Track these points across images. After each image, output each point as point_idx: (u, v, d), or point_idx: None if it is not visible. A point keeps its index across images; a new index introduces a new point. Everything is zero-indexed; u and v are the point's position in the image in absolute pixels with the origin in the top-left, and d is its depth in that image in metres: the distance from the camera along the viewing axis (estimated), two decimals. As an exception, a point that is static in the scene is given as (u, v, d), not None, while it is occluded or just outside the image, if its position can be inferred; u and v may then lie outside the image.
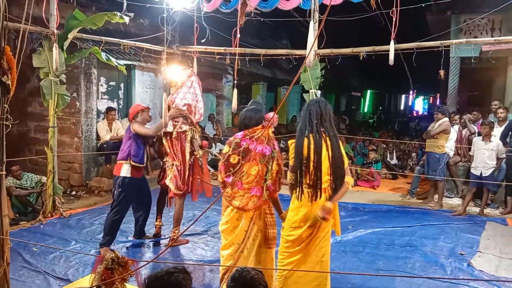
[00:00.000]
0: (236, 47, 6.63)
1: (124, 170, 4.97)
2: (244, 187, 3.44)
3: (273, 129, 3.74)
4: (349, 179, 3.42)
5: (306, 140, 3.22)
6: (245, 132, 3.54)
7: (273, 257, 3.66)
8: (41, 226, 6.00)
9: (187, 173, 5.06)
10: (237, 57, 6.66)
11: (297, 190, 3.26)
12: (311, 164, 3.20)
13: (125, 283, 2.55)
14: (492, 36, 10.23)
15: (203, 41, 7.53)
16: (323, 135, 3.27)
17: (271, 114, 3.58)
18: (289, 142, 3.37)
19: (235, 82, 6.86)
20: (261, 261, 3.53)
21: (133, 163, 4.97)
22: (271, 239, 3.58)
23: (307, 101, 7.83)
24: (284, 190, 3.56)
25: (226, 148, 3.56)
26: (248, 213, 3.48)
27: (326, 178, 3.25)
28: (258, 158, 3.44)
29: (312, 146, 3.19)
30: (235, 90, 7.00)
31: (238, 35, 6.50)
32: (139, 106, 5.31)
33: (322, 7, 6.74)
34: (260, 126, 3.54)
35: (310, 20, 6.35)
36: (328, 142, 3.26)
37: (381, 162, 11.11)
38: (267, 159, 3.45)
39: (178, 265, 2.17)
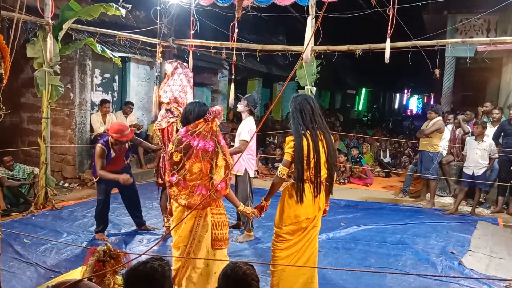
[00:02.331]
0: (234, 41, 6.61)
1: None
2: (187, 185, 3.25)
3: (219, 123, 3.48)
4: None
5: (304, 139, 3.25)
6: (187, 127, 3.33)
7: (224, 258, 3.48)
8: (33, 217, 5.97)
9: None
10: (234, 51, 6.64)
11: (299, 187, 3.27)
12: (312, 161, 3.25)
13: (116, 276, 2.55)
14: (487, 37, 10.29)
15: (192, 32, 7.49)
16: (318, 131, 3.32)
17: (217, 107, 3.34)
18: (288, 138, 3.34)
19: (233, 77, 6.83)
20: (209, 264, 3.35)
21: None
22: (219, 240, 3.40)
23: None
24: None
25: (170, 146, 3.39)
26: (191, 212, 3.27)
27: (323, 172, 3.34)
28: (201, 155, 3.22)
29: (311, 145, 3.24)
30: (232, 85, 6.99)
31: (236, 30, 6.48)
32: (126, 130, 5.03)
33: (319, 4, 6.74)
34: (201, 120, 3.30)
35: (308, 16, 6.34)
36: (322, 137, 3.34)
37: (373, 159, 11.16)
38: (210, 155, 3.25)
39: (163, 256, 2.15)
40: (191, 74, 5.32)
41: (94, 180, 5.26)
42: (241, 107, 5.35)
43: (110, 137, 5.02)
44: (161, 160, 5.22)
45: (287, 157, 3.32)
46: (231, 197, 3.51)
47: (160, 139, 5.18)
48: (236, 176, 5.36)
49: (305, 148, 3.24)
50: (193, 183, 3.25)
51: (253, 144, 5.43)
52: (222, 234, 3.43)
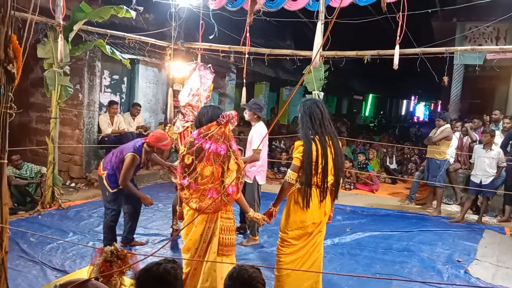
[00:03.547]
0: (248, 45, 6.62)
1: (105, 174, 4.74)
2: (199, 188, 3.22)
3: (232, 128, 3.43)
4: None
5: (313, 144, 3.23)
6: (199, 130, 3.31)
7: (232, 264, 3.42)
8: (39, 216, 6.00)
9: None
10: (246, 55, 6.66)
11: (306, 191, 3.26)
12: (320, 167, 3.24)
13: (123, 276, 2.56)
14: (496, 45, 10.24)
15: (211, 37, 7.53)
16: (326, 136, 3.30)
17: (231, 112, 3.33)
18: (297, 143, 3.29)
19: (244, 81, 6.85)
20: (216, 270, 3.30)
21: (104, 181, 4.72)
22: (226, 245, 3.36)
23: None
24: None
25: (181, 148, 3.38)
26: (202, 216, 3.27)
27: (330, 177, 3.32)
28: (212, 158, 3.20)
29: (319, 150, 3.23)
30: (244, 89, 7.02)
31: (248, 34, 6.49)
32: (166, 140, 4.84)
33: (328, 9, 6.75)
34: (214, 123, 3.28)
35: (317, 21, 6.35)
36: (331, 143, 3.32)
37: (380, 165, 11.13)
38: (222, 158, 3.22)
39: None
40: (210, 76, 5.18)
41: (111, 190, 4.69)
42: (247, 116, 5.33)
43: (145, 144, 4.76)
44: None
45: (296, 162, 3.28)
46: (241, 202, 3.48)
47: (176, 144, 5.09)
48: (245, 182, 5.36)
49: (314, 153, 3.21)
50: (204, 186, 3.23)
51: (264, 152, 5.36)
52: (229, 240, 3.40)
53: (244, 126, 13.55)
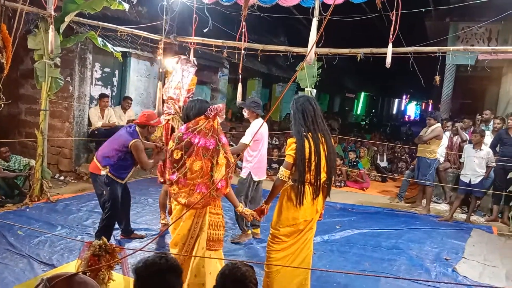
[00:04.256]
0: (244, 41, 6.57)
1: (103, 172, 4.62)
2: (187, 183, 3.21)
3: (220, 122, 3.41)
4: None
5: (306, 141, 3.22)
6: (188, 125, 3.29)
7: (220, 259, 3.44)
8: (27, 209, 5.94)
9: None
10: (242, 51, 6.61)
11: (300, 189, 3.25)
12: (313, 164, 3.22)
13: (111, 271, 2.53)
14: (488, 46, 10.32)
15: (205, 30, 7.47)
16: (319, 133, 3.29)
17: (219, 105, 3.31)
18: (290, 140, 3.29)
19: (240, 76, 6.82)
20: (204, 266, 3.29)
21: (109, 175, 4.62)
22: (213, 240, 3.34)
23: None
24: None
25: (170, 143, 3.36)
26: (190, 211, 3.25)
27: (323, 174, 3.31)
28: (201, 152, 3.19)
29: (312, 147, 3.22)
30: (240, 85, 6.99)
31: (244, 30, 6.44)
32: (155, 118, 4.83)
33: (323, 6, 6.73)
34: (202, 117, 3.27)
35: (313, 18, 6.33)
36: (323, 140, 3.31)
37: (370, 164, 11.19)
38: (211, 153, 3.21)
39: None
40: (192, 70, 5.19)
41: (122, 182, 4.69)
42: (246, 114, 5.28)
43: (137, 127, 4.69)
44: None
45: (288, 159, 3.26)
46: (231, 196, 3.46)
47: (160, 137, 5.11)
48: (239, 178, 5.34)
49: (307, 150, 3.21)
50: (194, 181, 3.22)
51: (262, 148, 5.27)
52: (217, 235, 3.38)
53: (236, 122, 13.55)
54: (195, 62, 5.16)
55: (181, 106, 5.07)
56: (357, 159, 10.36)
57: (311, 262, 3.58)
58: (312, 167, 3.24)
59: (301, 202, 3.25)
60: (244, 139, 5.07)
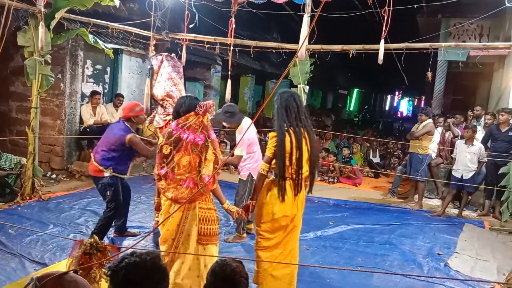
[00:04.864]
0: (231, 37, 6.54)
1: (107, 173, 4.61)
2: (175, 178, 3.23)
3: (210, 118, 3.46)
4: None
5: (287, 135, 3.23)
6: (178, 121, 3.32)
7: (214, 254, 3.42)
8: (19, 208, 5.89)
9: None
10: (231, 47, 6.59)
11: (280, 183, 3.25)
12: (294, 158, 3.23)
13: (102, 269, 2.52)
14: (480, 42, 10.37)
15: (191, 26, 7.41)
16: (302, 129, 3.30)
17: (209, 101, 3.33)
18: (271, 134, 3.31)
19: (229, 73, 6.79)
20: (198, 257, 3.31)
21: (114, 173, 4.64)
22: (205, 235, 3.35)
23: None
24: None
25: (160, 138, 3.40)
26: (178, 206, 3.27)
27: (305, 169, 3.32)
28: (190, 148, 3.21)
29: (294, 142, 3.22)
30: (229, 81, 6.96)
31: (234, 26, 6.41)
32: (137, 106, 4.78)
33: (316, 3, 6.73)
34: (192, 113, 3.29)
35: (304, 14, 6.32)
36: (306, 135, 3.32)
37: (363, 160, 11.24)
38: (199, 148, 3.23)
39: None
40: (179, 64, 5.12)
41: (127, 176, 4.78)
42: (226, 124, 5.29)
43: (124, 122, 4.66)
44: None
45: (268, 153, 3.29)
46: (217, 192, 3.47)
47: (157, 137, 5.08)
48: (239, 179, 5.32)
49: (288, 145, 3.21)
50: (181, 176, 3.23)
51: (257, 147, 5.25)
52: (209, 230, 3.38)
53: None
54: (179, 58, 5.09)
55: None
56: (351, 155, 10.38)
57: (297, 258, 3.57)
58: (294, 162, 3.24)
59: (283, 197, 3.25)
60: (238, 151, 5.02)
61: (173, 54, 5.15)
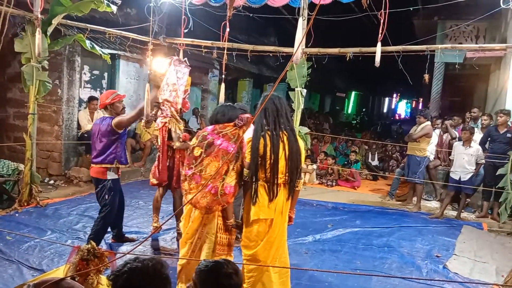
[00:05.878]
0: (225, 41, 6.55)
1: (111, 173, 4.64)
2: (200, 182, 3.25)
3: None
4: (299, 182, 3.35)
5: (262, 139, 3.18)
6: (215, 126, 3.37)
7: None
8: (16, 214, 5.87)
9: (163, 163, 5.00)
10: (225, 51, 6.60)
11: (252, 187, 3.23)
12: (268, 162, 3.18)
13: (100, 275, 2.50)
14: (476, 43, 10.41)
15: (186, 30, 7.43)
16: (280, 132, 3.25)
17: (248, 115, 3.36)
18: (247, 139, 3.26)
19: (223, 76, 6.80)
20: None
21: (119, 166, 4.69)
22: (222, 244, 3.39)
23: (292, 99, 7.75)
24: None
25: (193, 140, 3.42)
26: (200, 213, 3.31)
27: (281, 175, 3.24)
28: (221, 155, 3.24)
29: (268, 145, 3.17)
30: (223, 85, 6.95)
31: (228, 29, 6.42)
32: (113, 94, 4.80)
33: (311, 6, 6.75)
34: (231, 124, 3.34)
35: (299, 17, 6.35)
36: (285, 139, 3.25)
37: (362, 163, 11.23)
38: (230, 157, 3.24)
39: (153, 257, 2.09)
40: (185, 70, 5.11)
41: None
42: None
43: (104, 112, 4.74)
44: (157, 159, 5.08)
45: (247, 158, 3.25)
46: (229, 207, 3.40)
47: (156, 140, 5.10)
48: None
49: (261, 148, 3.17)
50: (206, 181, 3.24)
51: None
52: (226, 239, 3.41)
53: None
54: (188, 62, 5.11)
55: (179, 108, 5.06)
56: (356, 158, 10.37)
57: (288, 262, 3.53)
58: (267, 166, 3.18)
59: (254, 200, 3.20)
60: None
61: (185, 58, 5.13)
